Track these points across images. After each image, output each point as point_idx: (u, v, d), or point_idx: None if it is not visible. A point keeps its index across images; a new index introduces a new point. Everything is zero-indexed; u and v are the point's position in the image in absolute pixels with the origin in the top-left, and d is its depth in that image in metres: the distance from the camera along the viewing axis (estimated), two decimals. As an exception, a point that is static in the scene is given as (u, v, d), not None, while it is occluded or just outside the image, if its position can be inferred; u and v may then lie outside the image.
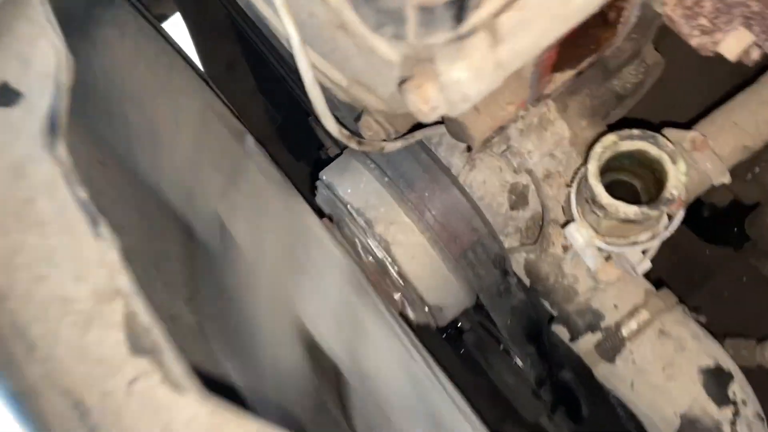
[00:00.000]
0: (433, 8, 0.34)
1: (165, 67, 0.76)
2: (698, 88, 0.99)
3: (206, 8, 1.40)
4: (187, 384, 0.42)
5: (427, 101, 0.42)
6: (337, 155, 0.96)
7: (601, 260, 0.75)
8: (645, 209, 0.67)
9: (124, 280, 0.42)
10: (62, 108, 0.48)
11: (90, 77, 0.61)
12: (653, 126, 0.77)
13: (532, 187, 0.89)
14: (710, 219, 1.40)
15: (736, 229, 1.35)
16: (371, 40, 0.44)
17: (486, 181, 0.88)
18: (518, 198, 0.90)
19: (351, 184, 0.86)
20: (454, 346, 1.34)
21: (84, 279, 0.41)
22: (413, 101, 0.42)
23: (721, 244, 1.43)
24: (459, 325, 1.29)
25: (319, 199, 0.94)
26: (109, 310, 0.41)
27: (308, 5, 0.49)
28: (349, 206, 0.85)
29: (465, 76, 0.41)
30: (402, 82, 0.44)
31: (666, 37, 0.86)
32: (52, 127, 0.47)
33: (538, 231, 0.93)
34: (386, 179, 0.85)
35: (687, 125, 0.88)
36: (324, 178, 0.90)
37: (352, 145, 0.64)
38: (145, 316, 0.42)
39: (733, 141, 0.86)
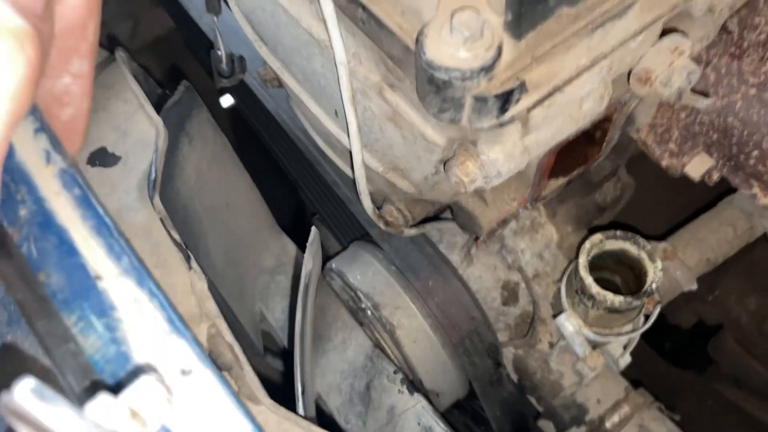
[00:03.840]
0: (486, 98, 0.45)
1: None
2: (664, 208, 1.13)
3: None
4: (260, 396, 0.47)
5: (467, 175, 0.52)
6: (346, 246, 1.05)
7: (589, 349, 0.83)
8: (629, 299, 0.76)
9: (211, 306, 0.49)
10: (158, 168, 0.58)
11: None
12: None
13: (522, 285, 0.98)
14: (676, 342, 1.49)
15: (699, 352, 1.44)
16: (421, 126, 0.55)
17: (482, 276, 0.97)
18: (510, 294, 0.99)
19: (360, 272, 0.94)
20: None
21: (176, 305, 0.47)
22: (456, 175, 0.52)
23: (687, 368, 1.51)
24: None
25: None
26: (197, 331, 0.47)
27: (364, 101, 0.60)
28: (358, 291, 0.93)
29: (501, 157, 0.51)
30: (446, 161, 0.54)
31: (637, 163, 1.00)
32: (148, 184, 0.56)
33: (526, 328, 1.01)
34: (393, 268, 0.93)
35: (656, 239, 1.00)
36: (334, 266, 0.98)
37: (381, 225, 0.74)
38: (227, 336, 0.48)
39: (698, 254, 0.98)
